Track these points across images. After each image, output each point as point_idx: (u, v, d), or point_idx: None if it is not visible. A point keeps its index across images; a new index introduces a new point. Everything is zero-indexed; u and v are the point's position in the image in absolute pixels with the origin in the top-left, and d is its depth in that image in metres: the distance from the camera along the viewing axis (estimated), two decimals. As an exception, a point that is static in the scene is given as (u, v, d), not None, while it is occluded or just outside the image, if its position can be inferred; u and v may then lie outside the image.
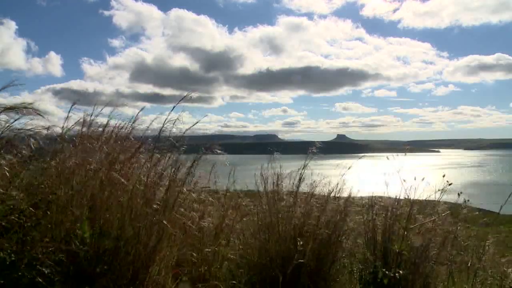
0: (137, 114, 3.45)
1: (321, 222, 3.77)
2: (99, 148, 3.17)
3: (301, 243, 3.37)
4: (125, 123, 3.48)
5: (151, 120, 3.43)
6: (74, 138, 3.25)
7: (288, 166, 4.14)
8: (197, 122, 3.32)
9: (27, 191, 2.72)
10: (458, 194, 4.35)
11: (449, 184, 4.12)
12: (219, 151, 3.49)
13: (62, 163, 2.96)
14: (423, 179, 4.09)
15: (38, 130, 3.11)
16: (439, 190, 4.14)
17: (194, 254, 3.40)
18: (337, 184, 4.06)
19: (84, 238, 2.66)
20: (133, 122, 3.43)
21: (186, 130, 3.26)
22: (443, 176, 4.18)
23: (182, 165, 3.31)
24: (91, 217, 2.79)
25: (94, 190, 2.88)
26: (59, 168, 2.94)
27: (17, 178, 2.80)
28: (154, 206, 2.92)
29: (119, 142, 3.32)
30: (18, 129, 3.04)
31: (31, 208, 2.55)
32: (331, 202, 3.94)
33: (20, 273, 2.31)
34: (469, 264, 4.16)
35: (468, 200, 4.49)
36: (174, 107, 3.25)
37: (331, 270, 3.78)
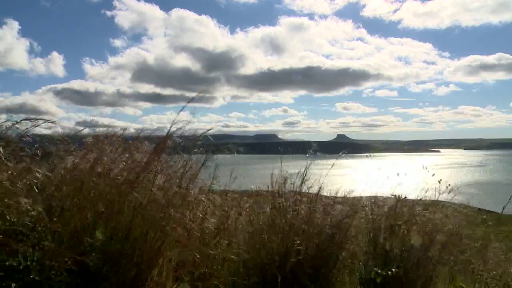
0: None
1: (326, 223, 3.76)
2: (115, 151, 3.17)
3: (298, 242, 3.36)
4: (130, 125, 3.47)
5: (159, 120, 3.39)
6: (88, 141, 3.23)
7: (288, 166, 4.15)
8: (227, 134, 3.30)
9: (48, 201, 2.69)
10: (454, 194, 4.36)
11: (448, 186, 4.13)
12: (235, 151, 3.48)
13: (74, 167, 2.94)
14: (433, 174, 4.12)
15: (40, 132, 3.10)
16: (440, 192, 4.15)
17: (195, 254, 3.40)
18: (333, 183, 4.06)
19: (94, 243, 2.66)
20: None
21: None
22: (433, 175, 4.22)
23: (190, 166, 3.32)
24: (103, 221, 2.79)
25: (109, 194, 2.87)
26: (71, 172, 2.92)
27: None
28: (162, 207, 2.92)
29: (136, 145, 3.30)
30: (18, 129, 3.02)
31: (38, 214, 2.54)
32: (337, 203, 3.95)
33: (32, 277, 2.34)
34: (470, 265, 4.16)
35: (468, 203, 4.52)
36: (183, 108, 3.15)
37: (333, 270, 3.77)
